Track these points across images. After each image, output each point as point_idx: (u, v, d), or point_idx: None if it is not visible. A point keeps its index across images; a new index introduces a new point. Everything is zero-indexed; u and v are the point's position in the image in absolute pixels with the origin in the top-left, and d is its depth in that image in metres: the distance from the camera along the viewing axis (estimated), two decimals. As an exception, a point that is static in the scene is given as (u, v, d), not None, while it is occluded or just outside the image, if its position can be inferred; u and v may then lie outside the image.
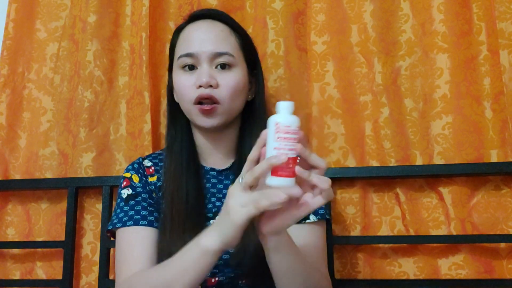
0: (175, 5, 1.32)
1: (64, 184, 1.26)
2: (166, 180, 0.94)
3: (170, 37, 1.30)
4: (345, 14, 1.22)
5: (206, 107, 0.91)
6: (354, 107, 1.18)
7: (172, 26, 1.31)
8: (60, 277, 1.22)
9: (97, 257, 1.23)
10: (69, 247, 1.21)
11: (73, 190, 1.24)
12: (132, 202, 0.94)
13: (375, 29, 1.18)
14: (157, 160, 1.02)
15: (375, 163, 1.14)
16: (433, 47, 1.15)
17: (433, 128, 1.14)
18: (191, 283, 0.72)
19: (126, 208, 0.93)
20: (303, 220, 0.92)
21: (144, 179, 0.98)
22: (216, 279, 0.87)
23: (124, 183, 0.97)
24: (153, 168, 1.00)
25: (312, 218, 0.93)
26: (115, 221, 0.93)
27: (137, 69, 1.26)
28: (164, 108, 1.29)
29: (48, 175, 1.30)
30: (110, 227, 0.94)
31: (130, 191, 0.95)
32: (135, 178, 0.97)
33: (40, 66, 1.37)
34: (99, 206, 1.26)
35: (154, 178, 0.98)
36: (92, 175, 1.26)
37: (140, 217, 0.92)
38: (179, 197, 0.90)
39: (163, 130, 1.29)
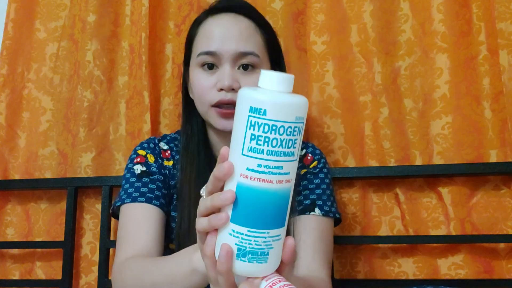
0: (174, 5, 1.32)
1: (64, 184, 1.25)
2: (182, 182, 0.90)
3: (170, 37, 1.32)
4: (345, 14, 1.21)
5: (226, 110, 0.85)
6: (353, 107, 1.18)
7: (172, 26, 1.31)
8: (59, 277, 1.21)
9: (96, 257, 1.23)
10: (68, 247, 1.21)
11: (73, 190, 1.24)
12: (146, 179, 0.88)
13: (375, 29, 1.18)
14: (173, 145, 0.97)
15: (374, 163, 1.14)
16: (432, 47, 1.15)
17: (432, 128, 1.14)
18: None
19: (138, 184, 0.87)
20: (308, 211, 0.89)
21: (160, 161, 0.93)
22: None
23: (138, 159, 0.91)
24: (169, 152, 0.95)
25: (318, 211, 0.90)
26: (123, 197, 0.87)
27: (136, 69, 1.26)
28: (164, 108, 1.29)
29: (48, 175, 1.30)
30: (118, 203, 0.88)
31: (144, 168, 0.89)
32: (151, 158, 0.92)
33: (39, 66, 1.37)
34: (99, 206, 1.26)
35: (170, 163, 0.93)
36: (91, 175, 1.26)
37: (153, 196, 0.86)
38: (195, 200, 0.83)
39: (162, 130, 1.28)
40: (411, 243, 1.12)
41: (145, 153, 0.93)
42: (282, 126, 0.51)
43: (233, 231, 0.53)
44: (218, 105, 0.86)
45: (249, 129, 0.51)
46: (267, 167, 0.51)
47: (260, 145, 0.51)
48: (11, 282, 1.27)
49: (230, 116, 0.84)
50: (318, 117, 1.18)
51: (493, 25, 1.12)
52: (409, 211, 1.12)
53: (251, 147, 0.51)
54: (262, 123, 0.51)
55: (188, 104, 0.96)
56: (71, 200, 1.24)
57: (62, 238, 1.23)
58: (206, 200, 0.55)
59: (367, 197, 1.17)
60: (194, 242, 0.64)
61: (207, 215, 0.55)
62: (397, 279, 1.12)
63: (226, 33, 0.87)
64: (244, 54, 0.86)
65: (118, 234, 0.87)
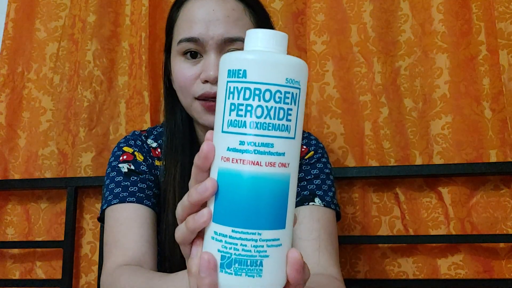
0: (174, 5, 1.32)
1: (64, 183, 1.26)
2: (166, 185, 0.80)
3: (169, 37, 1.32)
4: (345, 14, 1.22)
5: (211, 102, 0.75)
6: (353, 107, 1.18)
7: (172, 26, 1.31)
8: (59, 276, 1.22)
9: (96, 257, 1.23)
10: (68, 246, 1.21)
11: (73, 190, 1.24)
12: (134, 177, 0.78)
13: (375, 29, 1.18)
14: (161, 141, 0.87)
15: (374, 163, 1.14)
16: (432, 47, 1.15)
17: (432, 128, 1.14)
18: None
19: (125, 183, 0.76)
20: (307, 202, 0.80)
21: (150, 160, 0.83)
22: None
23: (124, 156, 0.81)
24: (159, 150, 0.85)
25: (318, 202, 0.80)
26: (109, 198, 0.76)
27: (136, 68, 1.26)
28: (164, 108, 1.29)
29: (48, 174, 1.30)
30: (105, 206, 0.78)
31: (132, 167, 0.80)
32: (139, 157, 0.82)
33: (39, 66, 1.37)
34: (99, 206, 1.26)
35: (161, 163, 0.84)
36: (91, 175, 1.26)
37: (144, 195, 0.76)
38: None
39: (162, 130, 1.29)
40: (411, 243, 1.12)
41: (132, 150, 0.83)
42: (268, 90, 0.40)
43: (216, 233, 0.41)
44: (202, 98, 0.77)
45: (228, 98, 0.41)
46: (252, 144, 0.40)
47: (241, 116, 0.40)
48: (11, 281, 1.27)
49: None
50: (318, 117, 1.18)
51: (493, 25, 1.12)
52: (409, 211, 1.12)
53: (231, 120, 0.40)
54: (242, 88, 0.40)
55: (170, 95, 0.86)
56: (71, 200, 1.24)
57: (62, 238, 1.23)
58: (183, 198, 0.44)
59: (367, 197, 1.17)
60: (182, 261, 0.50)
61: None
62: (396, 279, 1.12)
63: (210, 16, 0.76)
64: (231, 40, 0.75)
65: (105, 239, 0.77)
